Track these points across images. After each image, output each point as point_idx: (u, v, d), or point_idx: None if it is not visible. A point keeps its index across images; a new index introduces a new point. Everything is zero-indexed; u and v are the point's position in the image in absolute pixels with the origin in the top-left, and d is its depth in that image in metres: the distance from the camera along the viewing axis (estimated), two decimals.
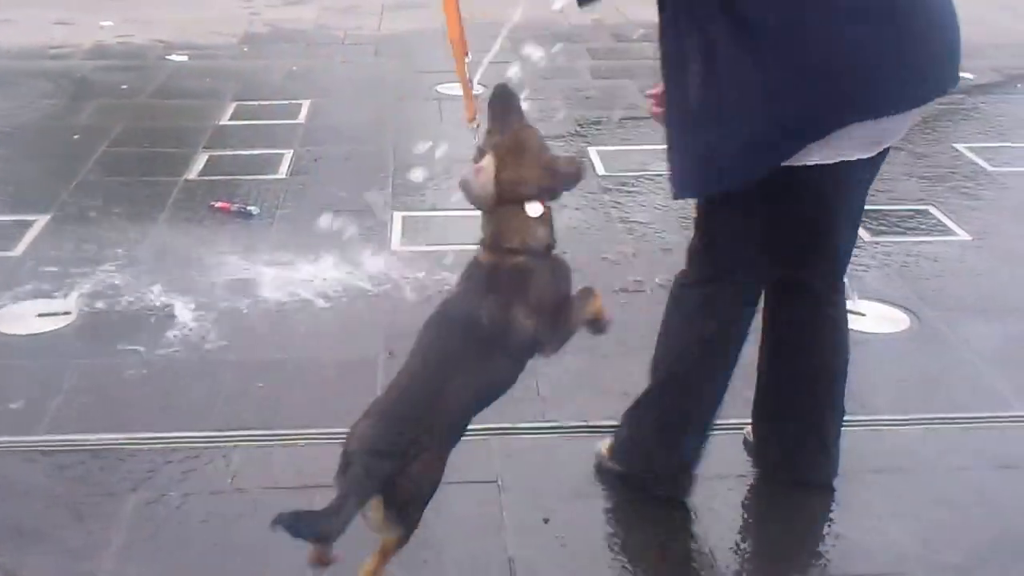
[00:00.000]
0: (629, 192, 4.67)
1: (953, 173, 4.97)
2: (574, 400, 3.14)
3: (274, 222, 4.35)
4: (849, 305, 3.52)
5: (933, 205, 4.58)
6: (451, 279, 3.79)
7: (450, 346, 2.24)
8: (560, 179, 2.28)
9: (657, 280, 3.82)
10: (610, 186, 4.72)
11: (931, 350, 3.46)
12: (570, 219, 4.38)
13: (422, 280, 3.86)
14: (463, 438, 2.91)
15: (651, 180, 4.77)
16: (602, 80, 6.21)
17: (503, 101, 2.30)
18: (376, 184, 4.63)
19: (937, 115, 5.53)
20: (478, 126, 2.36)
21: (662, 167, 4.76)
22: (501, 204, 2.24)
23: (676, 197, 2.41)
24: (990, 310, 3.72)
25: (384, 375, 3.23)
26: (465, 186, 2.24)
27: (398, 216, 4.39)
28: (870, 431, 2.98)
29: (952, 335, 3.53)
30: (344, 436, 2.18)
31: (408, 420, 2.14)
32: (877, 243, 4.19)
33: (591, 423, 3.02)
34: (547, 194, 2.28)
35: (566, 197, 4.30)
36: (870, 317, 3.62)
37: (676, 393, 2.59)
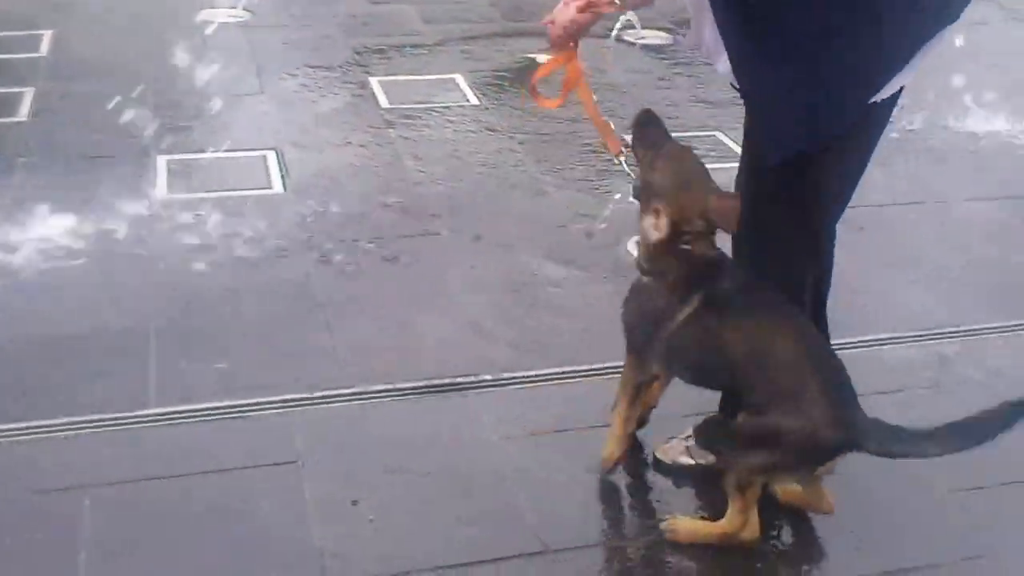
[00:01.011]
0: (415, 126, 4.38)
1: (736, 100, 4.92)
2: (378, 360, 2.87)
3: (15, 172, 3.82)
4: None
5: (720, 131, 4.52)
6: (226, 228, 3.48)
7: None
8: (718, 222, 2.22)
9: (451, 225, 3.59)
10: (394, 119, 4.42)
11: None
12: (355, 156, 4.07)
13: (194, 232, 3.46)
14: (257, 414, 2.64)
15: (439, 113, 4.50)
16: (379, 5, 5.84)
17: (651, 125, 2.31)
18: (135, 124, 4.14)
19: None
20: (625, 159, 2.38)
21: (448, 97, 4.64)
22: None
23: (784, 155, 2.17)
24: None
25: (157, 342, 2.87)
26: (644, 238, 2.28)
27: (162, 160, 3.95)
28: None
29: None
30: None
31: None
32: None
33: (398, 386, 2.77)
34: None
35: (349, 133, 4.04)
36: None
37: None
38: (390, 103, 4.58)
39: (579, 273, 3.35)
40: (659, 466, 2.54)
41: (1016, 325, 3.20)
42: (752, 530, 2.28)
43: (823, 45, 2.08)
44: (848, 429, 2.15)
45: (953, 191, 4.07)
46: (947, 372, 2.96)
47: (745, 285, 2.27)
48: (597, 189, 3.91)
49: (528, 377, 2.83)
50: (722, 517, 2.29)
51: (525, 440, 2.59)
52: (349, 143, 4.19)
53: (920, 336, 3.11)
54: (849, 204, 2.38)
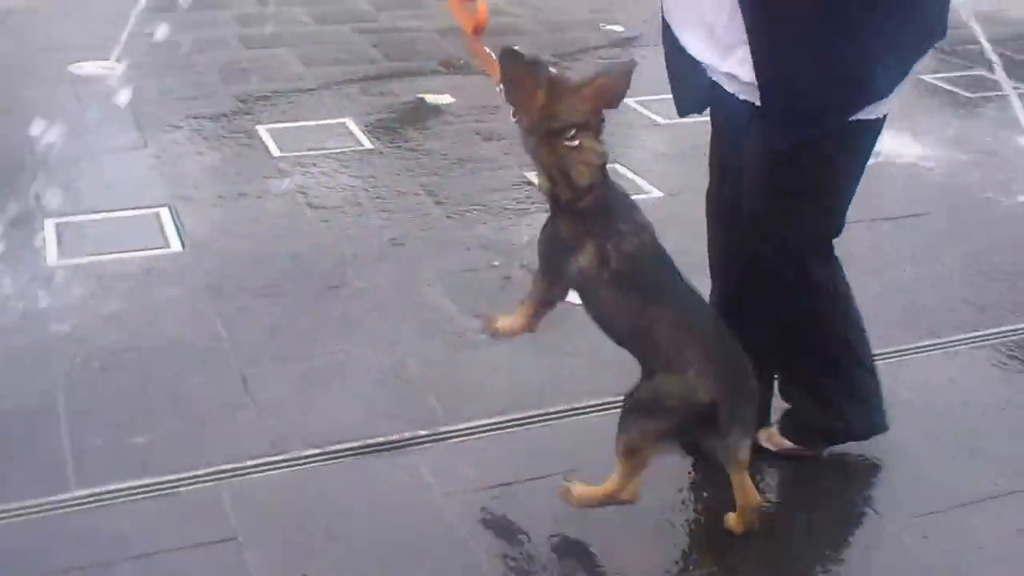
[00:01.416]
0: (311, 174, 4.28)
1: (630, 129, 4.99)
2: (305, 421, 2.77)
3: None
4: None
5: (619, 164, 4.55)
6: (126, 291, 3.32)
7: None
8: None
9: (361, 275, 3.51)
10: (288, 167, 4.31)
11: None
12: (252, 208, 3.96)
13: (92, 298, 3.30)
14: (186, 489, 2.51)
15: (333, 159, 4.41)
16: (256, 50, 5.71)
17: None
18: (17, 187, 3.93)
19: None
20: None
21: (340, 143, 4.56)
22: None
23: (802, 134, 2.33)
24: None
25: (68, 420, 2.71)
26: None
27: (50, 223, 3.75)
28: None
29: None
30: None
31: None
32: None
33: (331, 449, 2.68)
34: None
35: (243, 184, 3.91)
36: None
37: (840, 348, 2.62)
38: (281, 151, 4.47)
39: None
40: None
41: (933, 344, 3.29)
42: (631, 492, 2.35)
43: (843, 30, 2.21)
44: (720, 390, 2.24)
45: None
46: None
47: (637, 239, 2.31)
48: (504, 229, 3.89)
49: (465, 430, 2.77)
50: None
51: (473, 495, 2.53)
52: (244, 194, 4.07)
53: None
54: None
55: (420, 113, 4.93)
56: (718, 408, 2.25)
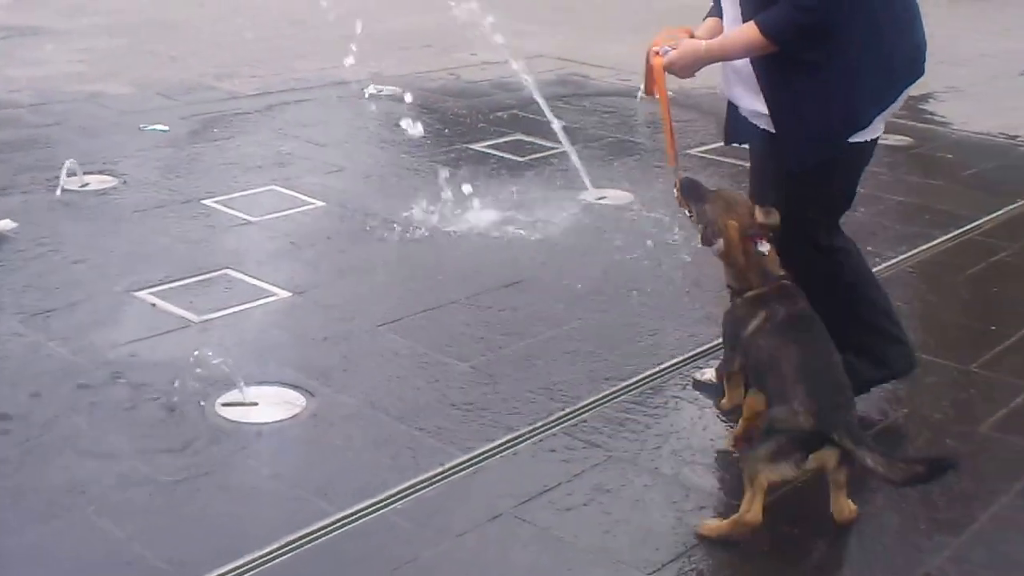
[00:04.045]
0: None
1: (223, 232, 4.94)
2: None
3: None
4: (237, 397, 3.41)
5: (230, 270, 4.51)
6: None
7: None
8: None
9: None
10: None
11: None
12: None
13: None
14: None
15: None
16: None
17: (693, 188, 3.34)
18: None
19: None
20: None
21: None
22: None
23: (805, 163, 3.24)
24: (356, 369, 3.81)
25: None
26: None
27: None
28: None
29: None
30: None
31: None
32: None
33: None
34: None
35: None
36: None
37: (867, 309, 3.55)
38: None
39: None
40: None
41: None
42: (755, 515, 2.92)
43: (848, 63, 3.12)
44: (822, 420, 2.87)
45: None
46: None
47: (793, 307, 3.16)
48: None
49: None
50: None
51: None
52: None
53: None
54: None
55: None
56: (819, 435, 2.86)
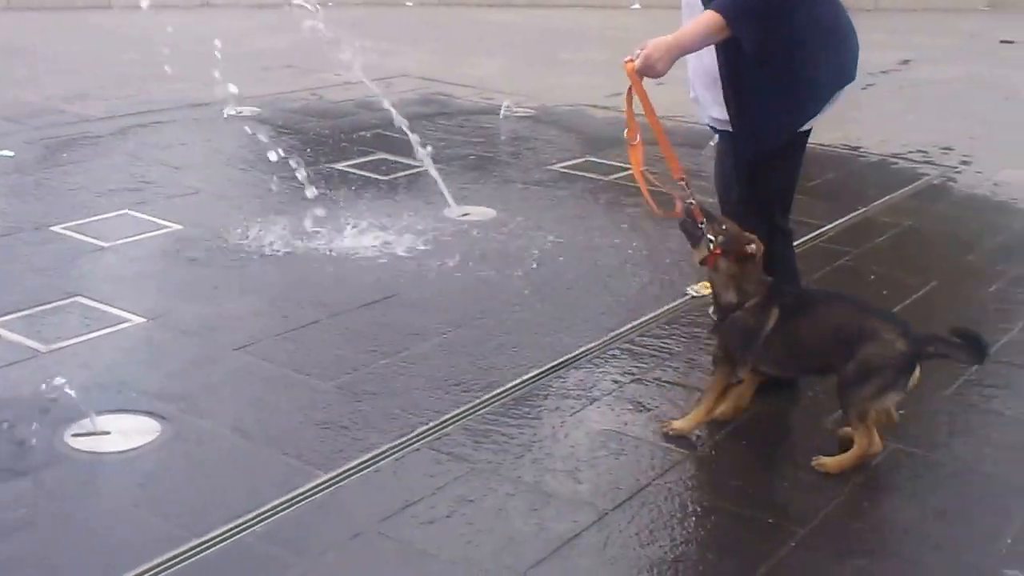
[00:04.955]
0: None
1: (77, 258, 4.80)
2: None
3: None
4: (88, 427, 3.33)
5: (83, 297, 4.38)
6: None
7: None
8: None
9: None
10: None
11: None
12: None
13: None
14: None
15: None
16: None
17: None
18: None
19: None
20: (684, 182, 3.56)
21: None
22: None
23: (759, 149, 3.63)
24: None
25: None
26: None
27: None
28: None
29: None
30: None
31: None
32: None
33: None
34: None
35: None
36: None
37: None
38: None
39: None
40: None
41: None
42: (876, 446, 3.30)
43: (791, 65, 3.53)
44: (912, 339, 3.25)
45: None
46: None
47: (797, 290, 3.65)
48: None
49: None
50: None
51: None
52: None
53: None
54: None
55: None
56: (913, 354, 3.22)
